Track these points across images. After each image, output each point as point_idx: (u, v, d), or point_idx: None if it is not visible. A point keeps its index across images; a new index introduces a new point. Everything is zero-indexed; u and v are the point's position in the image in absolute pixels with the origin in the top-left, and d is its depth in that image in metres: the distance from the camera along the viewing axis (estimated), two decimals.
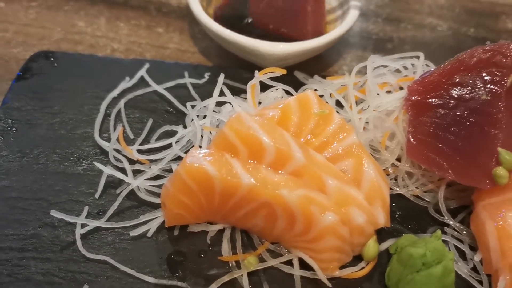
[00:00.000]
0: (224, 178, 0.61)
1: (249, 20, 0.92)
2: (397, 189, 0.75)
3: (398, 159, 0.75)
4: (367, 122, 0.76)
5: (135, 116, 0.83)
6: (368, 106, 0.76)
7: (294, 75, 0.89)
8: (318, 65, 0.97)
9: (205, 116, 0.74)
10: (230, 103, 0.73)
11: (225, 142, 0.64)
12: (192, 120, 0.73)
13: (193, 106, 0.78)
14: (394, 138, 0.75)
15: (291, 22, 0.89)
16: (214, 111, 0.74)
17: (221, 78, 0.74)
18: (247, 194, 0.61)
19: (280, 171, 0.63)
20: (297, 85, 0.84)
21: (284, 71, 0.76)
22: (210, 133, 0.72)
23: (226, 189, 0.62)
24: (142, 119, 0.82)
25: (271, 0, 0.90)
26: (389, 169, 0.76)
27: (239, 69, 0.91)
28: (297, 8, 0.88)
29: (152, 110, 0.84)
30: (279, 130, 0.64)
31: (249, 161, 0.63)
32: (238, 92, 0.84)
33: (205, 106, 0.75)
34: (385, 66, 0.81)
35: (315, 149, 0.66)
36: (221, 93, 0.74)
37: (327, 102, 0.76)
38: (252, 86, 0.72)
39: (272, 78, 0.76)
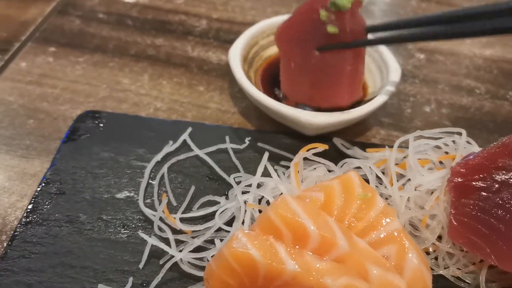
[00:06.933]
0: (269, 264, 0.62)
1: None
2: (438, 269, 0.74)
3: (439, 237, 0.76)
4: (408, 200, 0.77)
5: (177, 181, 0.85)
6: (409, 184, 0.77)
7: (332, 141, 0.90)
8: (357, 128, 0.98)
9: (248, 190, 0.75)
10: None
11: (270, 225, 0.65)
12: (236, 195, 0.74)
13: (235, 178, 0.80)
14: (435, 217, 0.75)
15: (326, 97, 0.90)
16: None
17: (265, 157, 0.76)
18: (291, 280, 0.62)
19: (323, 257, 0.64)
20: (337, 155, 0.85)
21: (326, 147, 0.77)
22: (253, 208, 0.74)
23: (270, 273, 0.63)
24: (184, 185, 0.84)
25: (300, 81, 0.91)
26: (430, 248, 0.76)
27: (278, 134, 0.93)
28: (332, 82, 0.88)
29: (194, 176, 0.86)
30: (323, 216, 0.65)
31: (293, 245, 0.64)
32: (277, 158, 0.86)
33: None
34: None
35: (358, 233, 0.67)
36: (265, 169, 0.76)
37: (368, 180, 0.77)
38: (295, 164, 0.73)
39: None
